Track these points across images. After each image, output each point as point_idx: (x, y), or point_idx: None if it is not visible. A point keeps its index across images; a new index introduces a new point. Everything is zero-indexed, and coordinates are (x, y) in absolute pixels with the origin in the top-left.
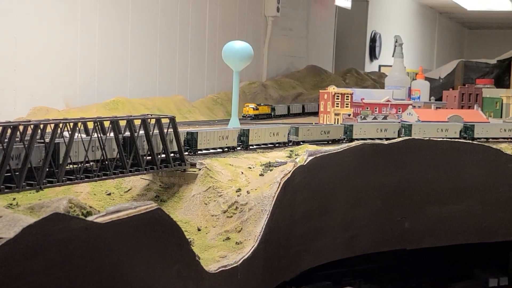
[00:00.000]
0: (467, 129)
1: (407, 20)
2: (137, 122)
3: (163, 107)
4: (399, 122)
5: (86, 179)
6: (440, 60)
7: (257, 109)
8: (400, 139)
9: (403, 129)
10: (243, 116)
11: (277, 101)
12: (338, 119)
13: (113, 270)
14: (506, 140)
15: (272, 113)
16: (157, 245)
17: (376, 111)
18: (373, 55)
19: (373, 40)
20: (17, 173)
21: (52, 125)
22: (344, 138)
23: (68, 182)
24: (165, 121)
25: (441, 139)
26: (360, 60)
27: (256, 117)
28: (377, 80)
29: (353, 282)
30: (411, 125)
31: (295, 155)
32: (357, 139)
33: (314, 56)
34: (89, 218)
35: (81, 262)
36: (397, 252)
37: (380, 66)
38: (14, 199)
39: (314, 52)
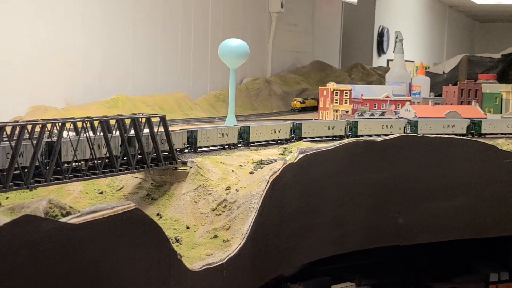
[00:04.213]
0: (475, 125)
1: (416, 14)
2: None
3: (164, 104)
4: (404, 119)
5: (74, 179)
6: (451, 54)
7: (304, 102)
8: (394, 135)
9: (409, 126)
10: (291, 109)
11: (281, 97)
12: (337, 115)
13: (88, 270)
14: (504, 135)
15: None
16: (136, 245)
17: (375, 107)
18: (381, 50)
19: (381, 35)
20: (4, 173)
21: (41, 126)
22: (349, 135)
23: (56, 181)
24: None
25: (434, 135)
26: (368, 55)
27: (303, 110)
28: (382, 75)
29: (353, 277)
30: (417, 121)
31: (289, 152)
32: (362, 136)
33: (320, 52)
34: (63, 219)
35: (53, 263)
36: (397, 247)
37: (388, 61)
38: (7, 198)
39: (320, 47)
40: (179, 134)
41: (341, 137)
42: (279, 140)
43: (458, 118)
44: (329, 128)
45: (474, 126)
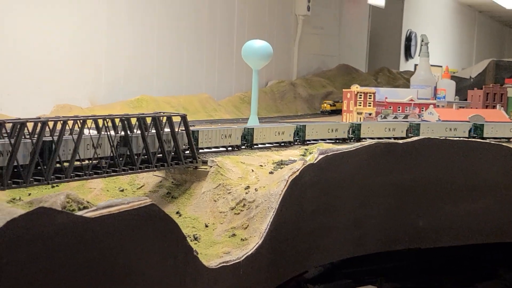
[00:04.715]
0: (476, 128)
1: (445, 19)
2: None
3: (188, 105)
4: (407, 121)
5: (94, 175)
6: (480, 59)
7: (334, 105)
8: (415, 138)
9: (411, 128)
10: (321, 111)
11: (306, 100)
12: (360, 118)
13: (103, 264)
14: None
15: None
16: (152, 240)
17: (399, 110)
18: (408, 54)
19: (408, 39)
20: (25, 169)
21: (70, 122)
22: (352, 137)
23: (76, 178)
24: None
25: (457, 138)
26: (395, 59)
27: (333, 112)
28: (409, 80)
29: (375, 281)
30: (419, 124)
31: (310, 153)
32: (364, 139)
33: (346, 55)
34: (78, 213)
35: (67, 255)
36: (420, 251)
37: (415, 65)
38: (29, 194)
39: (346, 51)
40: (180, 135)
41: (344, 140)
42: (282, 142)
43: (460, 122)
44: (332, 130)
45: (476, 130)
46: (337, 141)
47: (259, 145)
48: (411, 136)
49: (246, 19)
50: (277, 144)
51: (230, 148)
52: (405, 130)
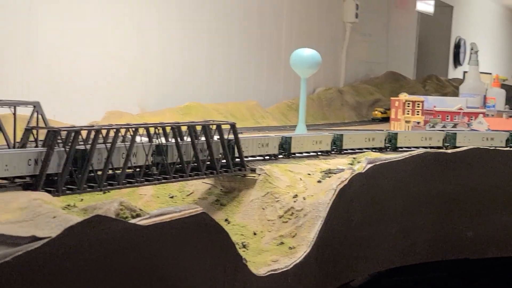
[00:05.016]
0: None
1: (494, 26)
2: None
3: (236, 112)
4: (443, 131)
5: (146, 183)
6: None
7: (385, 112)
8: (465, 148)
9: (448, 138)
10: (372, 119)
11: (354, 107)
12: (408, 126)
13: (154, 271)
14: None
15: None
16: (202, 248)
17: (447, 119)
18: (457, 62)
19: (457, 46)
20: (79, 176)
21: (122, 130)
22: (389, 147)
23: (128, 185)
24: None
25: (508, 148)
26: (444, 67)
27: (384, 120)
28: (458, 87)
29: None
30: (455, 133)
31: (358, 162)
32: (400, 148)
33: (394, 62)
34: (132, 221)
35: (121, 262)
36: (468, 260)
37: (464, 73)
38: (81, 200)
39: (394, 58)
40: (215, 143)
41: (381, 149)
42: (320, 151)
43: (496, 131)
44: (369, 139)
45: None
46: (374, 150)
47: (297, 154)
48: (447, 146)
49: (294, 27)
50: (315, 153)
51: (267, 157)
52: (442, 139)
